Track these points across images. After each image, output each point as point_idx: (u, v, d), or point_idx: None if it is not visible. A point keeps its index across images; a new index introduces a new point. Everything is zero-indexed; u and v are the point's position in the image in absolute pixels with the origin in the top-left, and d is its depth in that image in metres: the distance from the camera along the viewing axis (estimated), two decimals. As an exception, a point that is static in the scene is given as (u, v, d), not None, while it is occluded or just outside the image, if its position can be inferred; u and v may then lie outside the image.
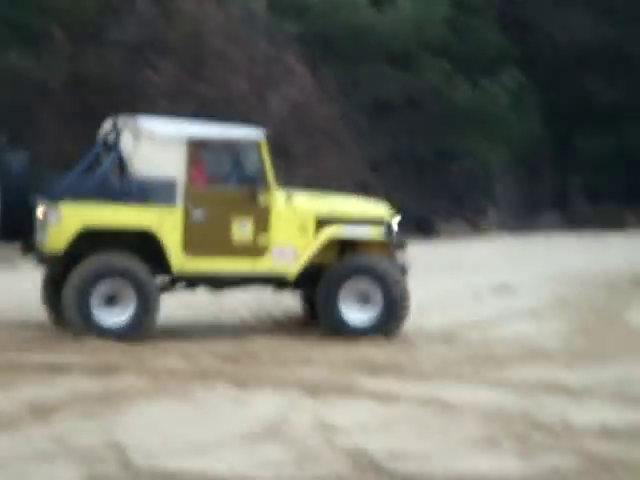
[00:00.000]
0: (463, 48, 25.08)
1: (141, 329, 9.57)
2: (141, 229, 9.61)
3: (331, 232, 10.13)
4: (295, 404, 7.37)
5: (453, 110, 23.99)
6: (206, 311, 11.11)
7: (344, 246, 10.38)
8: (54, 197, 9.48)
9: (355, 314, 10.09)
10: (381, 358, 9.20)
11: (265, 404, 7.35)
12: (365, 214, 10.51)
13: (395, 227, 10.48)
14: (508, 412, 7.30)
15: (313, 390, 7.79)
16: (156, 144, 9.80)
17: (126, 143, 9.83)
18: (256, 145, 10.05)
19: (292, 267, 9.99)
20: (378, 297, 10.04)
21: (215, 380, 8.04)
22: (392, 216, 10.55)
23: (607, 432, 6.82)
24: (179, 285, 10.13)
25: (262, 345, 9.47)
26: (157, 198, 9.62)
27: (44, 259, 9.78)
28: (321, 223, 10.18)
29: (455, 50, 24.75)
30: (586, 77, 26.08)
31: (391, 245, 10.39)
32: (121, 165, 9.83)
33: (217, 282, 10.14)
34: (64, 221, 9.42)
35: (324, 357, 9.09)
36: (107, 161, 9.88)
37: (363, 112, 21.75)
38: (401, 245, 10.66)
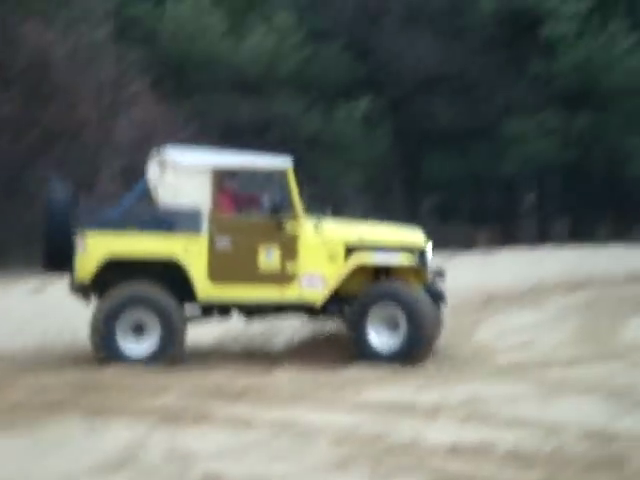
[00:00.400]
0: (315, 75, 25.52)
1: (166, 359, 9.73)
2: (166, 258, 9.85)
3: (358, 259, 10.21)
4: (149, 433, 7.29)
5: (304, 136, 24.38)
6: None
7: (378, 274, 10.44)
8: (82, 227, 9.77)
9: (382, 340, 10.14)
10: (237, 384, 9.18)
11: (119, 434, 7.25)
12: (396, 241, 10.56)
13: (429, 254, 10.57)
14: (362, 434, 7.41)
15: (168, 418, 7.72)
16: (181, 173, 10.02)
17: (152, 173, 10.07)
18: (282, 173, 10.21)
19: (321, 294, 10.10)
20: (404, 324, 10.06)
21: (67, 411, 7.90)
22: (426, 243, 10.63)
23: (456, 450, 7.00)
24: (213, 315, 10.37)
25: (114, 374, 9.35)
26: (182, 227, 9.85)
27: (73, 288, 10.04)
28: (350, 250, 10.27)
29: (307, 77, 25.15)
30: (434, 101, 26.83)
31: (425, 272, 10.40)
32: (147, 195, 10.08)
33: (244, 310, 10.34)
34: (90, 250, 9.72)
35: (179, 385, 9.03)
36: (134, 191, 10.23)
37: (213, 138, 21.86)
38: (440, 273, 10.83)
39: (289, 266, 10.09)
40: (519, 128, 24.97)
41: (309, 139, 24.60)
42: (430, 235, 10.98)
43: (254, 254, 10.04)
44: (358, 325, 10.07)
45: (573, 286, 17.88)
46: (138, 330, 9.81)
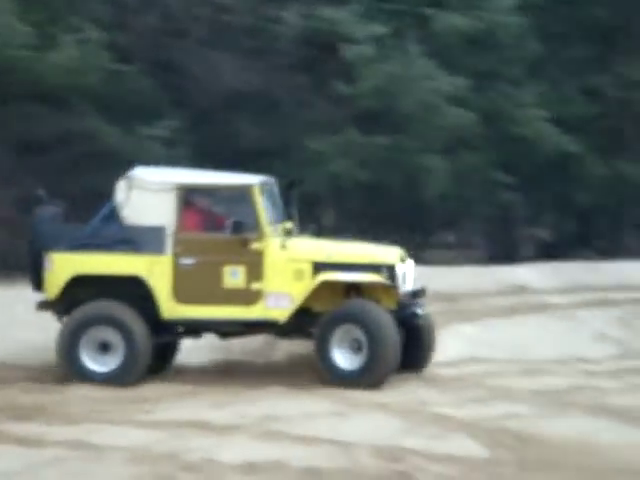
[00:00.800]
0: (117, 92, 25.39)
1: (130, 377, 9.81)
2: (130, 276, 9.92)
3: (322, 277, 10.02)
4: None
5: (104, 152, 24.21)
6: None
7: (349, 292, 10.26)
8: (48, 247, 9.98)
9: (346, 361, 9.97)
10: (28, 402, 9.03)
11: None
12: (365, 258, 10.30)
13: (405, 272, 10.32)
14: (156, 453, 7.38)
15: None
16: (146, 192, 10.07)
17: (120, 192, 10.14)
18: (247, 190, 10.10)
19: (286, 313, 9.97)
20: (365, 345, 9.87)
21: None
22: (400, 260, 10.36)
23: (252, 467, 7.07)
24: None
25: None
26: (146, 246, 9.93)
27: (41, 305, 10.21)
28: (318, 269, 10.06)
29: (109, 94, 25.01)
30: (236, 120, 27.19)
31: (395, 290, 10.14)
32: (114, 214, 10.12)
33: (209, 329, 10.40)
34: (56, 269, 9.95)
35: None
36: (102, 210, 10.22)
37: (11, 151, 21.38)
38: (418, 293, 10.65)
39: (254, 285, 10.05)
40: (320, 147, 25.56)
41: (109, 155, 24.46)
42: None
43: (219, 273, 10.02)
44: (323, 346, 9.98)
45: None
46: (103, 349, 9.91)
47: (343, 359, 10.04)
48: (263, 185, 10.42)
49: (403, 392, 10.05)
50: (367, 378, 9.90)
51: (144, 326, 9.93)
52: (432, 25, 25.55)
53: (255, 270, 10.08)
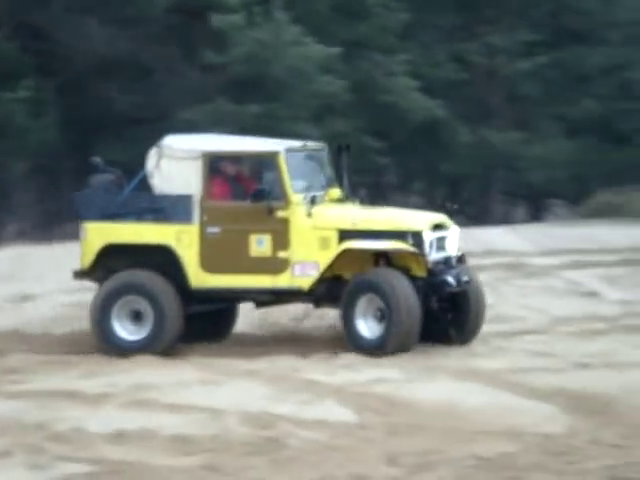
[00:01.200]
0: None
1: (160, 345, 9.93)
2: (159, 246, 10.02)
3: (345, 245, 9.94)
4: None
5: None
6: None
7: (378, 260, 10.14)
8: (84, 216, 10.27)
9: (369, 330, 9.98)
10: None
11: None
12: (391, 225, 10.12)
13: (428, 239, 10.02)
14: (23, 423, 7.39)
15: None
16: (174, 160, 10.10)
17: (150, 161, 10.19)
18: (273, 157, 10.00)
19: (311, 281, 10.02)
20: (387, 312, 9.79)
21: None
22: (430, 227, 10.11)
23: (121, 436, 7.11)
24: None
25: None
26: (175, 215, 10.00)
27: (76, 274, 10.38)
28: (344, 236, 9.97)
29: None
30: (106, 87, 26.92)
31: (423, 258, 9.95)
32: (145, 183, 10.21)
33: (235, 298, 10.49)
34: (89, 238, 10.14)
35: None
36: (133, 180, 10.32)
37: None
38: (460, 259, 10.48)
39: (281, 253, 10.01)
40: (191, 116, 25.49)
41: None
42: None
43: (245, 242, 9.99)
44: (347, 314, 9.93)
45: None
46: (135, 317, 10.05)
47: (366, 328, 10.04)
48: (292, 151, 10.32)
49: (274, 359, 10.22)
50: (387, 347, 9.90)
51: (174, 295, 9.96)
52: (300, -8, 25.81)
53: (281, 238, 10.04)
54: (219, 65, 25.96)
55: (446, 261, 10.42)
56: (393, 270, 10.06)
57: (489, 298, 12.35)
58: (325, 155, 10.83)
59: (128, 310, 10.09)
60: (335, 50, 24.43)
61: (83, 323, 11.06)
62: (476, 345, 11.05)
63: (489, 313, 11.96)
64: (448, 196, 30.00)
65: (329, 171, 10.80)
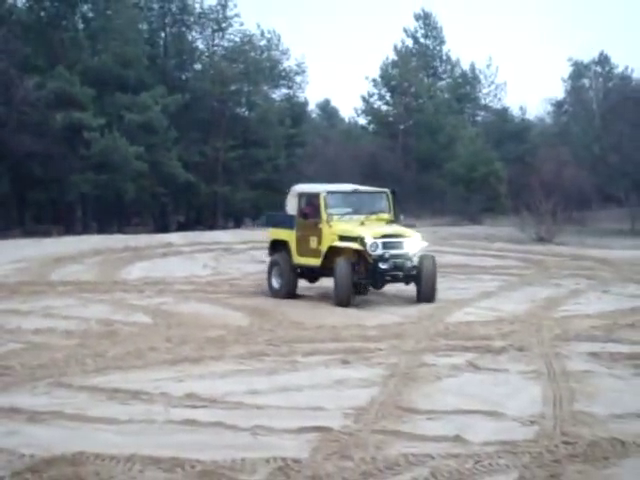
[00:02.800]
0: None
1: (285, 290, 18.07)
2: (284, 241, 18.28)
3: (329, 243, 17.29)
4: None
5: None
6: None
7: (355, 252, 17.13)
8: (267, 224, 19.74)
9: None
10: None
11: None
12: (354, 233, 17.02)
13: (370, 242, 16.83)
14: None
15: None
16: (291, 196, 18.43)
17: (289, 197, 18.62)
18: (319, 196, 17.67)
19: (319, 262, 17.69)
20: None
21: None
22: (373, 236, 16.92)
23: (38, 332, 14.01)
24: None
25: None
26: (291, 225, 18.12)
27: (268, 253, 19.23)
28: (340, 239, 17.16)
29: None
30: None
31: (365, 252, 16.75)
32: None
33: (309, 271, 18.24)
34: (268, 235, 19.11)
35: None
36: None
37: None
38: (388, 255, 17.01)
39: (319, 247, 17.52)
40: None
41: None
42: None
43: (308, 240, 17.70)
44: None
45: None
46: (279, 276, 18.43)
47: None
48: (331, 193, 17.81)
49: (117, 294, 18.30)
50: (334, 300, 16.95)
51: (289, 267, 18.08)
52: None
53: (319, 239, 17.51)
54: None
55: (395, 256, 16.92)
56: (344, 259, 16.84)
57: (214, 264, 22.45)
58: (381, 195, 18.28)
59: (276, 272, 18.28)
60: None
61: None
62: (209, 286, 19.64)
63: (214, 271, 22.59)
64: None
65: (382, 205, 18.14)
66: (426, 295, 17.12)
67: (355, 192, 18.43)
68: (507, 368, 10.85)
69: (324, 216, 17.52)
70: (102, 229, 43.34)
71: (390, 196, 18.13)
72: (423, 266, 17.06)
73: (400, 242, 17.11)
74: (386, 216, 17.98)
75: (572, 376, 10.31)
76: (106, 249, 27.61)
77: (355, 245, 16.97)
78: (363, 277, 17.00)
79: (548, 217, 35.56)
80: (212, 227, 44.54)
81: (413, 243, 17.19)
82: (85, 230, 42.97)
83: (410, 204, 46.96)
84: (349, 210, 17.89)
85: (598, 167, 45.55)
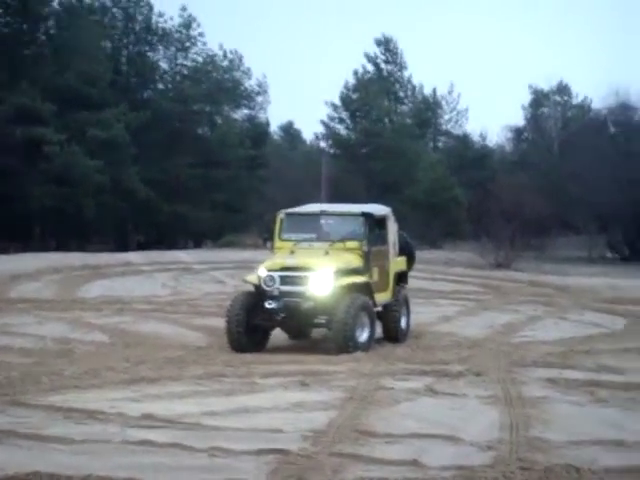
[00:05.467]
0: None
1: None
2: None
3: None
4: None
5: None
6: None
7: None
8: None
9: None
10: None
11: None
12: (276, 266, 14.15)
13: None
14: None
15: None
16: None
17: None
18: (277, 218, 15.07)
19: None
20: None
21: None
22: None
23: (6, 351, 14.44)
24: None
25: None
26: None
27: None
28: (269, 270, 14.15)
29: None
30: None
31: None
32: None
33: None
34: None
35: None
36: None
37: None
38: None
39: None
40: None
41: None
42: None
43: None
44: None
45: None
46: None
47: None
48: (291, 215, 15.20)
49: (77, 312, 18.07)
50: None
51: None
52: None
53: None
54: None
55: (289, 294, 14.04)
56: (240, 295, 14.69)
57: (173, 283, 21.95)
58: (354, 219, 14.94)
59: None
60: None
61: None
62: (169, 306, 19.46)
63: (173, 291, 21.49)
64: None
65: (354, 230, 14.81)
66: (339, 344, 13.68)
67: (323, 214, 15.27)
68: (465, 393, 10.89)
69: (276, 242, 14.97)
70: (61, 246, 43.03)
71: (364, 220, 14.79)
72: (337, 310, 13.68)
73: (300, 277, 13.91)
74: (355, 244, 14.61)
75: (529, 402, 10.38)
76: (65, 267, 27.44)
77: (252, 279, 14.32)
78: (264, 318, 14.16)
79: (507, 243, 35.88)
80: (172, 247, 44.36)
81: (321, 279, 13.84)
82: (43, 248, 42.59)
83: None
84: (312, 236, 14.97)
85: (557, 195, 46.01)
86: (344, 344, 13.58)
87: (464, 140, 65.48)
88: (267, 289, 13.91)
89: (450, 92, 66.06)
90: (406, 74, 64.60)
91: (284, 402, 10.19)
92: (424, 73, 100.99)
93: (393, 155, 55.70)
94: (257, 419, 9.40)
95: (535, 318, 19.17)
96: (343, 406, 10.01)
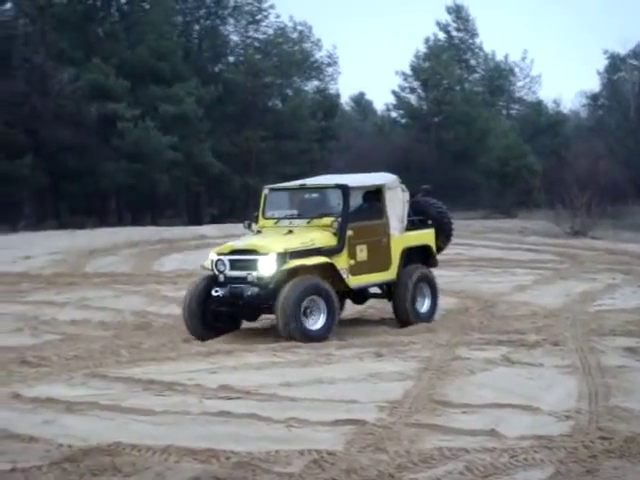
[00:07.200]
0: None
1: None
2: None
3: None
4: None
5: None
6: None
7: None
8: None
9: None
10: None
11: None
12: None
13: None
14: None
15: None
16: None
17: None
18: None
19: None
20: None
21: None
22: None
23: (74, 323, 14.38)
24: None
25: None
26: None
27: None
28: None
29: None
30: None
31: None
32: None
33: None
34: None
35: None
36: None
37: None
38: None
39: None
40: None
41: None
42: None
43: None
44: None
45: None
46: None
47: None
48: (275, 190, 13.98)
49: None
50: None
51: None
52: None
53: None
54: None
55: (235, 279, 12.91)
56: (199, 280, 13.51)
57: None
58: (333, 192, 13.70)
59: None
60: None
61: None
62: None
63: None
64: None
65: (331, 205, 13.70)
66: (281, 332, 12.45)
67: (302, 188, 14.08)
68: (542, 362, 10.79)
69: (260, 220, 13.90)
70: (136, 221, 43.69)
71: (341, 193, 13.37)
72: (281, 295, 12.41)
73: (248, 261, 12.76)
74: (328, 220, 13.18)
75: (607, 371, 10.25)
76: (140, 241, 27.80)
77: (207, 263, 13.29)
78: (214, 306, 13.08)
79: (583, 211, 35.40)
80: (245, 219, 44.60)
81: (265, 262, 12.60)
82: (119, 222, 43.31)
83: (442, 197, 46.97)
84: (294, 212, 13.96)
85: (634, 161, 45.28)
86: (285, 331, 12.36)
87: (537, 107, 64.70)
88: (217, 274, 12.96)
89: (523, 58, 65.32)
90: (477, 41, 63.98)
91: (359, 373, 10.19)
92: (496, 40, 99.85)
93: (465, 124, 55.30)
94: (333, 390, 9.42)
95: (613, 286, 18.90)
96: (419, 376, 10.00)
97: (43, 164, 40.70)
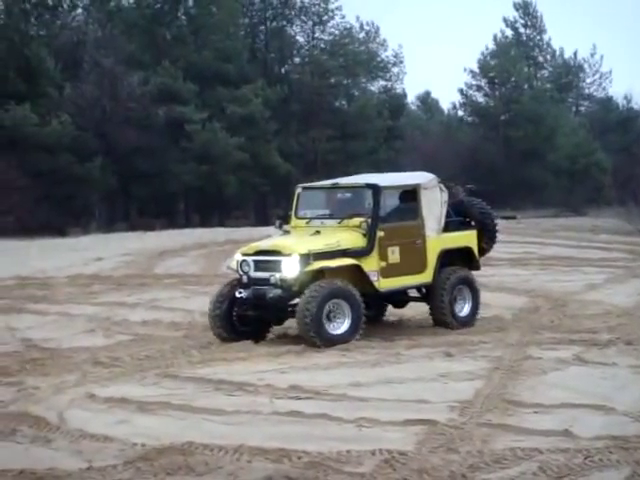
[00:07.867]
0: None
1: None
2: None
3: None
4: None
5: None
6: None
7: None
8: None
9: None
10: None
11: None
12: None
13: None
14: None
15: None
16: None
17: None
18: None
19: None
20: None
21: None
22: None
23: (145, 324, 14.49)
24: None
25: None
26: None
27: None
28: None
29: None
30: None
31: None
32: None
33: None
34: None
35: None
36: None
37: None
38: None
39: None
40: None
41: None
42: None
43: None
44: None
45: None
46: None
47: None
48: (308, 189, 13.60)
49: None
50: None
51: None
52: None
53: None
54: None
55: (258, 281, 12.48)
56: (226, 283, 13.19)
57: None
58: (362, 192, 13.27)
59: None
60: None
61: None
62: None
63: None
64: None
65: (361, 205, 13.13)
66: (302, 335, 12.09)
67: (334, 187, 13.68)
68: (615, 362, 10.64)
69: (292, 220, 13.46)
70: (204, 222, 44.03)
71: (371, 193, 12.91)
72: (302, 298, 12.03)
73: (272, 262, 12.37)
74: (358, 221, 12.69)
75: (684, 371, 10.07)
76: (208, 242, 28.01)
77: (233, 265, 12.94)
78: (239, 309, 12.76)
79: (655, 208, 34.87)
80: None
81: (289, 264, 12.19)
82: (187, 223, 43.69)
83: (511, 196, 46.80)
84: (326, 212, 13.58)
85: None
86: (306, 335, 11.95)
87: (607, 103, 63.83)
88: (242, 275, 12.60)
89: (592, 54, 64.45)
90: (545, 38, 63.35)
91: (429, 373, 10.16)
92: (564, 36, 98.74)
93: (533, 121, 54.79)
94: (402, 390, 9.40)
95: (688, 285, 18.57)
96: (489, 376, 9.93)
97: (113, 166, 41.28)
